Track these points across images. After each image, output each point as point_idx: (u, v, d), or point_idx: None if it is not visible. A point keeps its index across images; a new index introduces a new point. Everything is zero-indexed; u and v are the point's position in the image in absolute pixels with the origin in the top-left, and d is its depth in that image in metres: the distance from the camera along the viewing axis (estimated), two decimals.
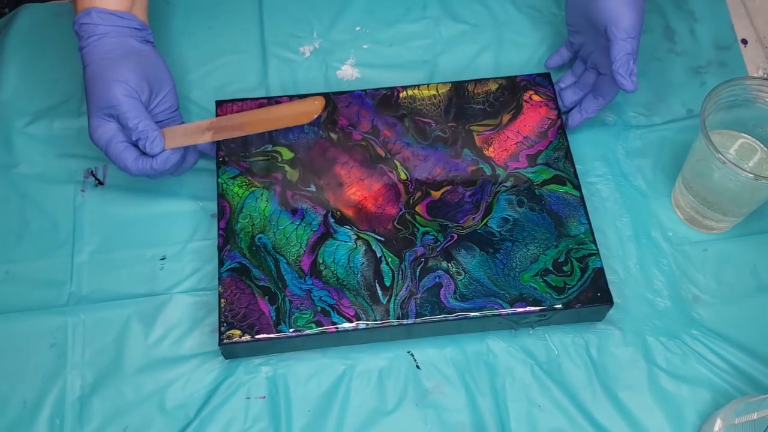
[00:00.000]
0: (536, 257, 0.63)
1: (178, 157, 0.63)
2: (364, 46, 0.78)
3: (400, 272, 0.62)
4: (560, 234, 0.64)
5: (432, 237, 0.63)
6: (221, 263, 0.62)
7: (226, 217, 0.64)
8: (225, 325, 0.60)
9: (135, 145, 0.62)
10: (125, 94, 0.60)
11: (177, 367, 0.63)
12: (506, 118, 0.69)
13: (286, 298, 0.61)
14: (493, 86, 0.71)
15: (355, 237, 0.63)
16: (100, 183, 0.70)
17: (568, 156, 0.67)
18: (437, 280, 0.62)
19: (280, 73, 0.76)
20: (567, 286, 0.61)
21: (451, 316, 0.60)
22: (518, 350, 0.63)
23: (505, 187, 0.66)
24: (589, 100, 0.69)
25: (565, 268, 0.62)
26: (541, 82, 0.71)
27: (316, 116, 0.64)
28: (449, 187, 0.66)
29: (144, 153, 0.62)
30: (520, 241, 0.63)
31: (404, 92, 0.70)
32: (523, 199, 0.65)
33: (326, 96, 0.70)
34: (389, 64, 0.77)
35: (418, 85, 0.71)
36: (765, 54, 0.78)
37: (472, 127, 0.69)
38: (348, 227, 0.64)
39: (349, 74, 0.76)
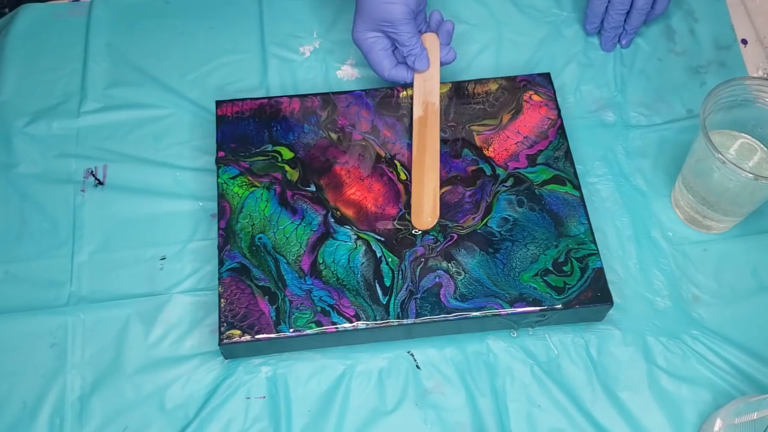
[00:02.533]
0: (536, 257, 0.63)
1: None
2: None
3: (400, 272, 0.62)
4: (560, 234, 0.64)
5: (432, 237, 0.63)
6: (221, 263, 0.62)
7: (226, 217, 0.64)
8: (225, 325, 0.60)
9: (392, 53, 0.69)
10: (405, 15, 0.66)
11: (177, 367, 0.63)
12: (506, 118, 0.69)
13: (286, 298, 0.61)
14: (493, 86, 0.71)
15: (355, 237, 0.63)
16: (100, 183, 0.70)
17: (568, 156, 0.67)
18: (437, 280, 0.62)
19: (280, 73, 0.76)
20: (567, 286, 0.61)
21: (451, 316, 0.60)
22: (518, 350, 0.63)
23: (505, 187, 0.66)
24: (635, 15, 0.74)
25: (565, 268, 0.62)
26: (541, 82, 0.71)
27: None
28: (449, 187, 0.66)
29: (401, 63, 0.70)
30: (520, 241, 0.63)
31: (404, 92, 0.70)
32: (523, 199, 0.65)
33: (326, 96, 0.70)
34: None
35: None
36: (765, 54, 0.78)
37: (472, 127, 0.69)
38: (348, 227, 0.64)
39: (349, 74, 0.76)
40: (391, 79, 0.70)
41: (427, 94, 0.69)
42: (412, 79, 0.70)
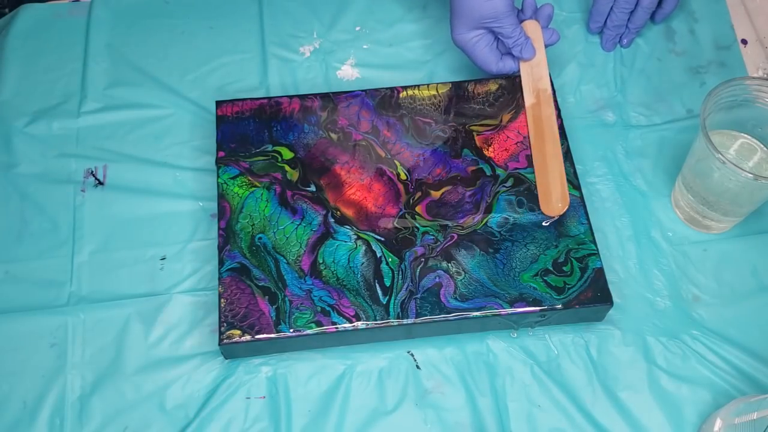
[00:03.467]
0: (536, 257, 0.63)
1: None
2: (364, 46, 0.78)
3: (400, 272, 0.62)
4: (560, 234, 0.64)
5: (432, 237, 0.63)
6: (221, 263, 0.62)
7: (226, 217, 0.64)
8: (225, 325, 0.60)
9: (495, 47, 0.69)
10: (508, 8, 0.66)
11: (177, 367, 0.63)
12: (506, 118, 0.69)
13: (286, 298, 0.61)
14: (493, 86, 0.71)
15: (355, 237, 0.63)
16: (100, 183, 0.70)
17: (568, 156, 0.67)
18: (437, 280, 0.62)
19: (280, 73, 0.76)
20: (567, 286, 0.62)
21: (451, 316, 0.60)
22: (518, 350, 0.63)
23: (505, 187, 0.66)
24: (639, 13, 0.75)
25: (565, 268, 0.62)
26: None
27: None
28: (449, 187, 0.66)
29: (505, 55, 0.70)
30: (519, 241, 0.63)
31: (404, 92, 0.70)
32: (522, 199, 0.65)
33: (326, 96, 0.70)
34: (389, 64, 0.77)
35: (418, 85, 0.71)
36: (765, 54, 0.78)
37: (472, 127, 0.69)
38: (348, 227, 0.64)
39: (349, 74, 0.77)
40: (500, 72, 0.70)
41: (536, 81, 0.69)
42: (518, 68, 0.70)
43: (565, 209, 0.64)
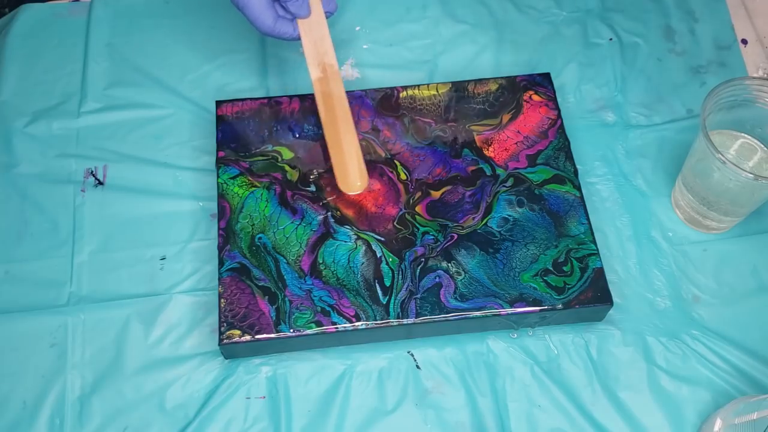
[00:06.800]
0: (536, 257, 0.63)
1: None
2: (364, 46, 0.78)
3: (400, 272, 0.62)
4: (560, 234, 0.64)
5: (432, 237, 0.63)
6: (221, 263, 0.62)
7: (226, 217, 0.64)
8: (225, 325, 0.60)
9: (271, 5, 0.63)
10: None
11: (177, 367, 0.63)
12: (506, 118, 0.69)
13: (286, 298, 0.61)
14: (493, 86, 0.71)
15: (355, 237, 0.63)
16: (100, 183, 0.70)
17: (568, 156, 0.67)
18: (437, 280, 0.62)
19: (280, 73, 0.76)
20: (567, 286, 0.62)
21: (451, 316, 0.60)
22: (518, 350, 0.63)
23: (505, 187, 0.66)
24: None
25: (565, 268, 0.62)
26: (541, 82, 0.71)
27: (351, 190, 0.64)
28: (449, 187, 0.66)
29: (281, 17, 0.64)
30: (520, 241, 0.63)
31: (404, 92, 0.70)
32: (522, 199, 0.65)
33: None
34: (389, 64, 0.77)
35: (418, 85, 0.71)
36: (765, 54, 0.78)
37: (472, 127, 0.69)
38: (348, 227, 0.64)
39: (349, 74, 0.76)
40: (276, 33, 0.64)
41: (322, 56, 0.66)
42: (298, 35, 0.65)
43: (364, 188, 0.64)
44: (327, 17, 0.67)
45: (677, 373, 0.62)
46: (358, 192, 0.64)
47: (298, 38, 0.66)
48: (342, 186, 0.64)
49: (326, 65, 0.66)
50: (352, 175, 0.64)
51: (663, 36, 0.79)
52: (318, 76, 0.66)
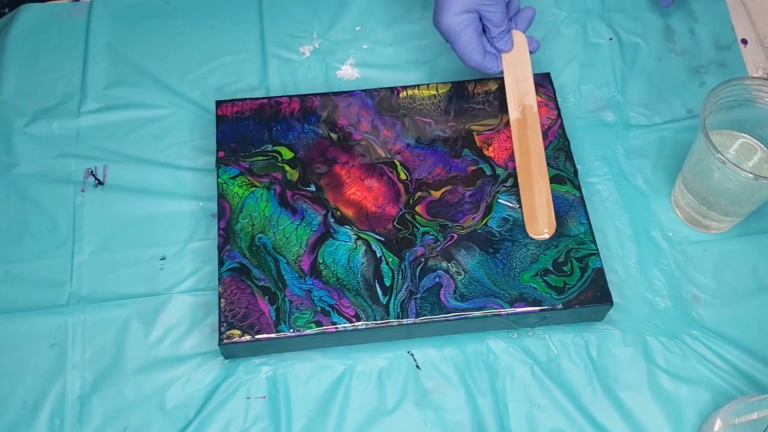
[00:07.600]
0: (536, 257, 0.63)
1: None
2: (364, 46, 0.78)
3: (400, 272, 0.62)
4: (560, 234, 0.64)
5: (432, 237, 0.63)
6: (221, 263, 0.62)
7: (226, 217, 0.64)
8: (225, 325, 0.60)
9: (481, 39, 0.66)
10: None
11: (177, 367, 0.63)
12: (506, 118, 0.69)
13: (286, 298, 0.61)
14: (493, 86, 0.71)
15: (355, 237, 0.63)
16: (100, 183, 0.70)
17: (568, 156, 0.67)
18: (437, 280, 0.62)
19: (280, 73, 0.76)
20: (567, 286, 0.62)
21: (450, 316, 0.60)
22: (518, 350, 0.63)
23: (505, 187, 0.66)
24: None
25: (565, 268, 0.62)
26: (541, 82, 0.71)
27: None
28: (449, 187, 0.66)
29: (488, 52, 0.67)
30: (520, 241, 0.63)
31: (404, 92, 0.70)
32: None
33: (326, 96, 0.70)
34: (389, 64, 0.77)
35: (418, 85, 0.71)
36: (765, 54, 0.78)
37: (472, 127, 0.69)
38: (348, 227, 0.64)
39: (349, 74, 0.77)
40: (483, 68, 0.67)
41: (522, 96, 0.68)
42: (501, 71, 0.68)
43: (551, 235, 0.63)
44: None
45: (677, 373, 0.62)
46: (544, 239, 0.63)
47: (501, 74, 0.68)
48: (529, 230, 0.64)
49: (526, 106, 0.67)
50: (540, 222, 0.64)
51: (663, 36, 0.79)
52: (517, 117, 0.67)
